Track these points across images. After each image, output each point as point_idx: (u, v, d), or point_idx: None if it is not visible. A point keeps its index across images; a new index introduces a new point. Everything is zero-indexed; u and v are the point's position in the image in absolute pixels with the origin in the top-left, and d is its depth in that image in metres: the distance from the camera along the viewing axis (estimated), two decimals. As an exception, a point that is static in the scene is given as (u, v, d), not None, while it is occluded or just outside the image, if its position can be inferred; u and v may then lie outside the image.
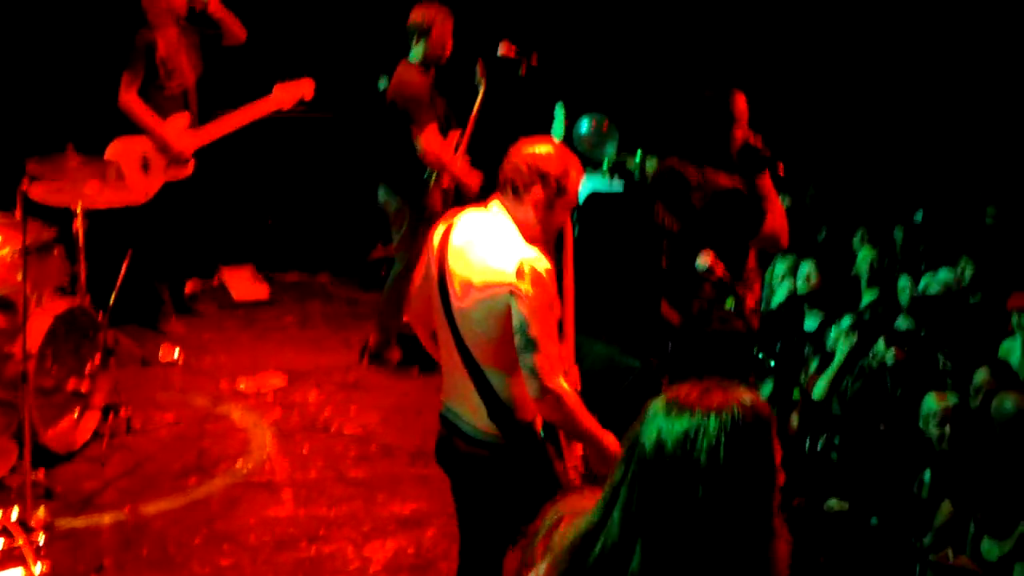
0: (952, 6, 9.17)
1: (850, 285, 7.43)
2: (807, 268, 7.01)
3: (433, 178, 7.06)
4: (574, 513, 2.20)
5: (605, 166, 8.50)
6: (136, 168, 7.39)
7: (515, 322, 3.79)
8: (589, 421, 3.94)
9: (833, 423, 6.29)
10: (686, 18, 9.97)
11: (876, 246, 7.60)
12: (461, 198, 6.97)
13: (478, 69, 7.20)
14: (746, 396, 2.08)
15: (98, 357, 6.33)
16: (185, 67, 7.50)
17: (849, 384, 6.36)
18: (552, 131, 8.26)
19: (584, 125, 8.67)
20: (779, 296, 7.40)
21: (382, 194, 7.29)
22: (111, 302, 6.39)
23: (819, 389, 6.48)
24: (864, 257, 7.47)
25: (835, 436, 6.24)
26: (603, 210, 8.39)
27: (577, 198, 4.10)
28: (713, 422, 2.02)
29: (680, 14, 9.98)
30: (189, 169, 7.66)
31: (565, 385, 3.85)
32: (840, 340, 6.50)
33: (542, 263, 3.82)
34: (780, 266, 7.45)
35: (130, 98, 7.31)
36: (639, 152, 8.29)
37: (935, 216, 8.12)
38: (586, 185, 8.50)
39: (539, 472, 4.05)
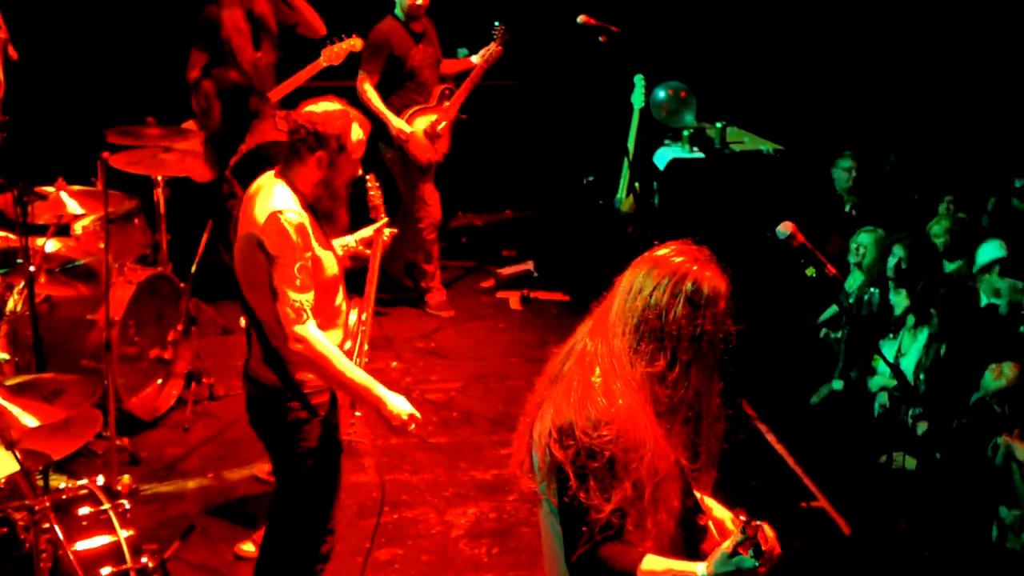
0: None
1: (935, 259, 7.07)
2: (899, 252, 6.52)
3: None
4: None
5: (685, 135, 8.40)
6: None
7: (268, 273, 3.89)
8: (349, 372, 4.01)
9: (919, 396, 6.11)
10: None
11: (960, 215, 7.27)
12: None
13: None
14: (708, 271, 2.73)
15: (180, 325, 6.38)
16: (249, 48, 7.21)
17: (935, 356, 6.17)
18: (632, 99, 8.17)
19: (662, 93, 8.57)
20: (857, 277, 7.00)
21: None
22: (193, 271, 6.42)
23: (907, 364, 6.27)
24: (938, 231, 7.07)
25: (917, 407, 6.07)
26: (685, 176, 8.30)
27: (361, 152, 4.13)
28: (668, 281, 2.70)
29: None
30: None
31: (312, 333, 3.89)
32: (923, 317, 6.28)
33: (292, 215, 3.90)
34: (865, 237, 6.99)
35: (195, 76, 7.20)
36: (719, 123, 8.19)
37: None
38: (666, 153, 8.41)
39: (305, 425, 4.15)
